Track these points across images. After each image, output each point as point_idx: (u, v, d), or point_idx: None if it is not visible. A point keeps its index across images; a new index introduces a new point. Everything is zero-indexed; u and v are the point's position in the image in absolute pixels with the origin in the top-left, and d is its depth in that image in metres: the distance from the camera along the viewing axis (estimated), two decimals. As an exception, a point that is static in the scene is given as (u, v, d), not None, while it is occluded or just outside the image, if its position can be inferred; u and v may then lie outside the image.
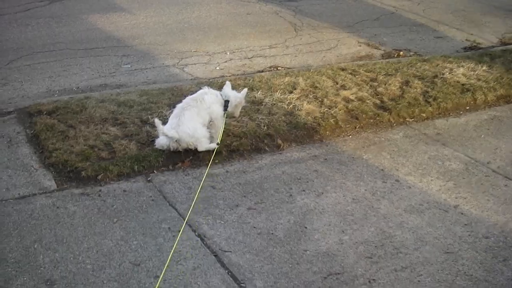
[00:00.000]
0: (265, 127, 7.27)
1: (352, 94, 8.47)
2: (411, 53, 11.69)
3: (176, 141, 6.15)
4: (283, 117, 7.55)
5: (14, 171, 6.06)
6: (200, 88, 6.82)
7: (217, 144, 6.44)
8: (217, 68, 9.89)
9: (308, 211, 5.89)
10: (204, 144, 6.31)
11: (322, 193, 6.23)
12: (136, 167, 6.23)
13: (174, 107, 6.66)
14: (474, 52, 11.72)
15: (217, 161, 6.64)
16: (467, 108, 9.01)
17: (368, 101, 8.34)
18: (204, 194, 5.95)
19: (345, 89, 8.67)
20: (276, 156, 6.93)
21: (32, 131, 6.81)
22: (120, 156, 6.32)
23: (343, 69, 9.59)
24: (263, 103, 7.94)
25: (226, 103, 6.61)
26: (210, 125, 6.45)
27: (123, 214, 5.55)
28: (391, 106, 8.29)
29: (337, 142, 7.45)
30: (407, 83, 9.17)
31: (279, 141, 7.12)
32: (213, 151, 6.51)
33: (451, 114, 8.74)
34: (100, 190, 5.87)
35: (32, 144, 6.58)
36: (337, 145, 7.34)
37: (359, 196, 6.27)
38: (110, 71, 9.30)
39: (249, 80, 8.79)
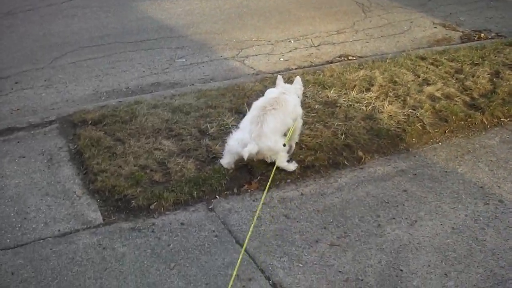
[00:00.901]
0: (343, 136, 6.31)
1: (437, 90, 7.39)
2: (493, 34, 10.52)
3: (256, 153, 5.34)
4: (362, 122, 6.53)
5: (54, 199, 5.24)
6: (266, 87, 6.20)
7: (284, 145, 5.57)
8: (281, 59, 8.91)
9: (401, 246, 4.89)
10: (283, 160, 5.61)
11: (416, 221, 5.22)
12: (195, 192, 5.34)
13: (246, 107, 6.06)
14: None
15: (289, 180, 5.68)
16: None
17: (456, 99, 7.26)
18: (276, 226, 5.02)
19: (428, 84, 7.57)
20: (357, 172, 5.94)
21: (75, 146, 6.02)
22: (176, 179, 5.41)
23: (422, 58, 8.50)
24: (338, 104, 6.98)
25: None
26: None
27: (182, 257, 4.65)
28: (483, 104, 7.19)
29: (425, 151, 6.39)
30: (497, 74, 8.03)
31: (360, 153, 6.14)
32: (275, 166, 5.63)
33: (552, 112, 7.53)
34: (153, 224, 4.98)
35: (75, 163, 5.77)
36: (426, 155, 6.29)
37: (459, 224, 5.25)
38: (163, 66, 8.39)
39: (319, 74, 7.80)
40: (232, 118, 6.38)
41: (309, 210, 5.29)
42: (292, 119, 5.63)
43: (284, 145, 5.52)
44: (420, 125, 6.67)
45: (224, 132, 6.13)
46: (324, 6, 11.42)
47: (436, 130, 6.73)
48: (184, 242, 4.81)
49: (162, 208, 5.17)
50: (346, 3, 11.67)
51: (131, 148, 5.80)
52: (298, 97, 5.90)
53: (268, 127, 5.33)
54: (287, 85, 5.96)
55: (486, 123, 7.06)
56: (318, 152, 6.01)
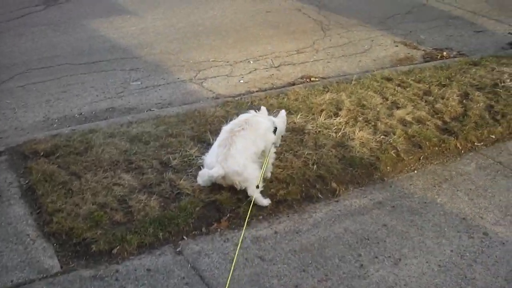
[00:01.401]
0: (315, 166, 5.94)
1: (408, 114, 7.09)
2: (454, 53, 10.33)
3: (223, 177, 5.01)
4: (333, 151, 6.17)
5: (6, 244, 4.74)
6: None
7: (257, 187, 5.22)
8: (241, 81, 8.50)
9: (387, 289, 4.45)
10: (254, 188, 5.17)
11: (400, 259, 4.88)
12: (161, 233, 4.89)
13: (209, 136, 5.95)
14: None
15: (261, 217, 5.26)
16: (541, 125, 7.55)
17: (428, 123, 6.97)
18: (251, 270, 4.61)
19: (398, 107, 7.28)
20: (333, 206, 5.57)
21: (27, 181, 5.49)
22: (139, 218, 4.96)
23: (388, 79, 8.21)
24: (306, 131, 6.63)
25: (275, 130, 5.52)
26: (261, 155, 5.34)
27: (150, 310, 4.10)
28: (456, 128, 6.93)
29: (401, 180, 6.07)
30: (466, 95, 7.78)
31: (334, 185, 5.78)
32: (251, 204, 5.17)
33: (523, 134, 7.28)
34: (117, 271, 4.53)
35: (27, 200, 5.25)
36: (403, 185, 5.96)
37: (445, 261, 4.93)
38: (117, 90, 7.90)
39: (283, 98, 7.43)
40: (196, 148, 5.95)
41: (285, 251, 4.87)
42: (263, 142, 5.31)
43: (257, 186, 5.19)
44: (394, 152, 6.35)
45: (188, 164, 5.70)
46: (282, 24, 11.07)
47: (410, 157, 6.41)
48: (152, 291, 4.31)
49: (126, 253, 4.70)
50: (304, 22, 11.34)
51: (88, 184, 5.30)
52: (275, 127, 5.55)
53: (236, 149, 5.00)
54: (271, 117, 5.66)
55: (460, 148, 6.77)
56: (290, 185, 5.62)
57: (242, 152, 5.04)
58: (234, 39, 10.19)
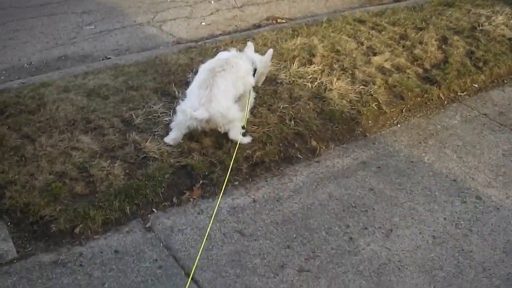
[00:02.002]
0: (292, 122, 5.44)
1: (386, 60, 6.60)
2: (424, -10, 9.63)
3: (207, 120, 4.69)
4: (310, 104, 5.66)
5: None
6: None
7: (243, 127, 4.98)
8: (203, 23, 7.86)
9: (381, 266, 4.12)
10: (237, 131, 4.92)
11: (391, 230, 4.45)
12: (128, 207, 4.31)
13: (174, 88, 5.51)
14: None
15: (237, 182, 4.71)
16: (520, 71, 7.13)
17: (408, 71, 6.50)
18: (231, 248, 4.12)
19: (375, 53, 6.77)
20: (314, 167, 5.11)
21: (-27, 147, 4.74)
22: (103, 190, 4.38)
23: (361, 21, 7.71)
24: (279, 81, 6.11)
25: (254, 71, 5.19)
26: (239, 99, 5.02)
27: (121, 301, 3.58)
28: (438, 77, 6.47)
29: (385, 136, 5.63)
30: (445, 40, 7.30)
31: (314, 143, 5.29)
32: (229, 169, 4.68)
33: (505, 81, 6.92)
34: (81, 254, 3.97)
35: (-25, 170, 4.51)
36: (387, 141, 5.52)
37: (439, 231, 4.54)
38: (70, 36, 7.19)
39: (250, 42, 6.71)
40: (160, 104, 5.38)
41: (266, 223, 4.38)
42: (243, 85, 5.02)
43: (243, 126, 4.96)
44: (375, 105, 5.85)
45: (153, 122, 5.13)
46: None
47: (392, 110, 5.96)
48: (122, 278, 3.82)
49: (89, 231, 4.13)
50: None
51: (43, 149, 4.69)
52: (255, 68, 5.25)
53: (219, 90, 4.71)
54: (255, 55, 5.39)
55: (443, 98, 6.35)
56: (267, 144, 5.11)
57: (225, 94, 4.76)
58: (192, -25, 9.43)
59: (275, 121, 5.35)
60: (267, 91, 5.80)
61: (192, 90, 4.85)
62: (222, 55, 5.21)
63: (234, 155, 4.70)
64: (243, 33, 7.41)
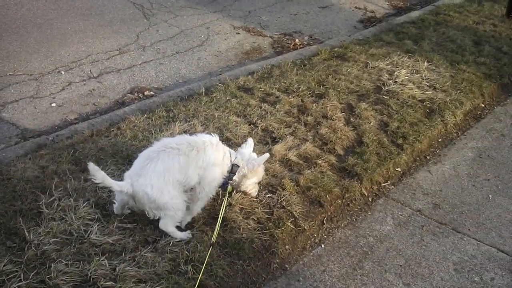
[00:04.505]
0: (190, 268, 3.96)
1: (289, 149, 5.40)
2: (306, 37, 8.63)
3: (133, 197, 4.01)
4: (209, 232, 4.22)
5: None
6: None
7: (211, 243, 4.03)
8: (53, 104, 6.29)
9: None
10: (169, 222, 4.14)
11: None
12: None
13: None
14: (379, 29, 9.27)
15: None
16: (439, 140, 6.10)
17: (320, 162, 5.31)
18: None
19: (274, 139, 5.58)
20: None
21: None
22: None
23: (247, 90, 6.38)
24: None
25: (234, 168, 4.31)
26: (191, 195, 4.20)
27: None
28: (358, 166, 5.33)
29: (309, 266, 4.46)
30: (351, 109, 6.25)
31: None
32: None
33: (428, 158, 5.86)
34: None
35: None
36: (314, 274, 4.38)
37: None
38: None
39: (115, 134, 5.32)
40: (6, 258, 3.69)
41: None
42: (197, 175, 4.12)
43: (212, 244, 4.03)
44: (291, 221, 4.45)
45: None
46: (94, 11, 8.80)
47: (311, 224, 4.70)
48: None
49: None
50: (121, 6, 9.14)
51: None
52: (234, 165, 4.34)
53: (155, 168, 3.98)
54: (245, 152, 4.54)
55: (367, 194, 5.19)
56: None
57: (162, 174, 3.98)
58: (36, 38, 7.79)
59: (166, 269, 3.82)
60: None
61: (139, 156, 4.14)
62: (195, 137, 4.28)
63: None
64: (105, 116, 5.86)
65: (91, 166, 3.86)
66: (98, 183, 3.91)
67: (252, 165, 4.40)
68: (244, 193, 4.61)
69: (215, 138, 4.28)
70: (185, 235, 4.20)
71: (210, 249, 3.96)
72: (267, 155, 4.51)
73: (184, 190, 4.12)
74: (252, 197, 4.66)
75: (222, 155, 4.27)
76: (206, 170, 4.14)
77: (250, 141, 4.61)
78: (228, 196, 4.33)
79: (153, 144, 4.19)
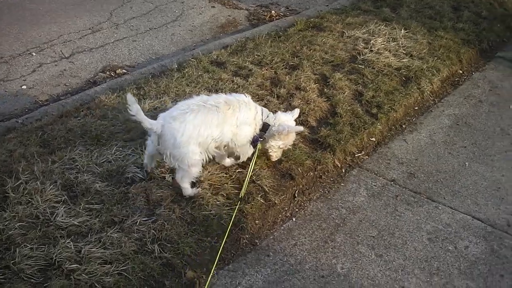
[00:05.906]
0: (156, 247, 3.83)
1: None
2: (282, 8, 8.52)
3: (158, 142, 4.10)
4: (176, 210, 4.25)
5: None
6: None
7: (240, 198, 4.29)
8: (23, 86, 6.16)
9: None
10: (186, 177, 4.22)
11: None
12: None
13: None
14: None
15: None
16: (416, 108, 6.01)
17: (292, 135, 5.01)
18: None
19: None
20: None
21: None
22: None
23: (220, 64, 6.28)
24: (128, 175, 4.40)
25: (265, 127, 4.45)
26: (224, 149, 4.39)
27: None
28: (330, 138, 5.20)
29: (280, 240, 4.40)
30: (325, 80, 6.12)
31: (190, 273, 3.84)
32: None
33: (404, 126, 5.72)
34: None
35: None
36: (284, 248, 4.31)
37: None
38: None
39: (85, 115, 5.27)
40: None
41: None
42: (231, 132, 4.28)
43: (241, 198, 4.29)
44: (261, 196, 4.34)
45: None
46: (65, -9, 8.58)
47: (282, 197, 4.57)
48: None
49: None
50: (93, -17, 8.91)
51: None
52: (265, 124, 4.50)
53: (191, 117, 4.08)
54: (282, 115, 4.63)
55: (340, 166, 5.07)
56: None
57: (198, 126, 4.08)
58: (6, 20, 7.67)
59: (132, 249, 3.75)
60: (116, 194, 4.19)
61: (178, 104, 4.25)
62: (230, 96, 4.42)
63: None
64: (76, 97, 5.76)
65: (129, 97, 3.93)
66: (132, 115, 3.96)
67: (282, 128, 4.49)
68: (266, 152, 4.70)
69: (248, 98, 4.43)
70: (193, 192, 4.31)
71: (239, 203, 4.22)
72: (300, 127, 4.64)
73: (216, 147, 4.25)
74: (271, 160, 4.77)
75: (254, 114, 4.42)
76: (239, 128, 4.29)
77: (296, 111, 4.71)
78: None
79: (192, 98, 4.28)
